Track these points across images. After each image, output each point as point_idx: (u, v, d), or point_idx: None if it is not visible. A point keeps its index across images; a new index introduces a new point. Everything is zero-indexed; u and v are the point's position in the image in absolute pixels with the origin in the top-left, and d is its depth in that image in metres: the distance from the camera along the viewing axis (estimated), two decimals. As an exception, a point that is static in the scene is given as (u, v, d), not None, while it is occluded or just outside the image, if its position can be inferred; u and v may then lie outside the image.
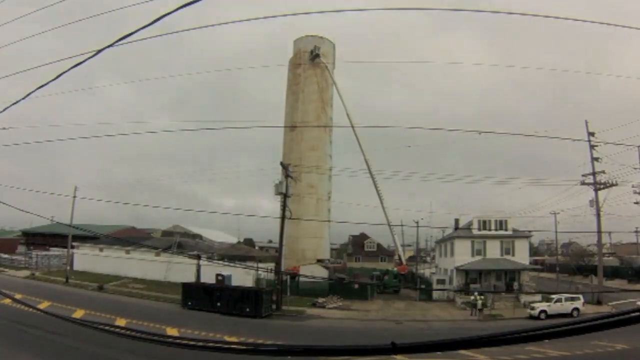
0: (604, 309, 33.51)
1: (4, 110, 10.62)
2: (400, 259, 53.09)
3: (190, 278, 37.39)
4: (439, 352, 2.45)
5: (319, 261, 50.67)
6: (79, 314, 24.63)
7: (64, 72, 8.06)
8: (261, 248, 74.44)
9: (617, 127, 71.15)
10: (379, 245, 76.12)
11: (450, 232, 47.75)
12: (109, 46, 7.06)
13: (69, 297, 30.61)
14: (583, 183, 38.35)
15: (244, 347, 3.32)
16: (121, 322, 23.05)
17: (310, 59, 57.19)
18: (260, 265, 37.35)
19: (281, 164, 36.12)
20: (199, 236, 60.73)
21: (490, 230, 41.89)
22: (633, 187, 38.37)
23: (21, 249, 62.71)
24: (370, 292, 39.85)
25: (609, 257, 59.35)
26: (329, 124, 57.05)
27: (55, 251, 54.61)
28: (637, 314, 2.10)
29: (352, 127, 51.81)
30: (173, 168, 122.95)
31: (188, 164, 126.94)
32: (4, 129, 19.71)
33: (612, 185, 37.26)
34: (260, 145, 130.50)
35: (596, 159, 37.80)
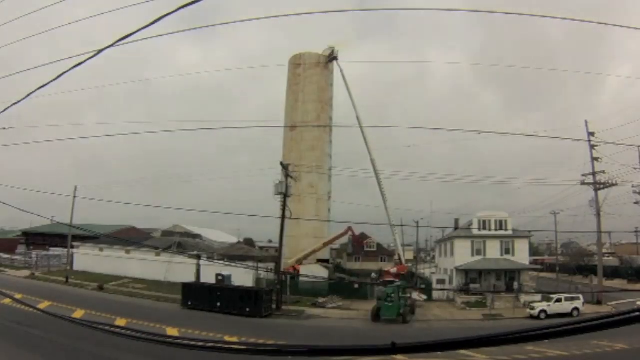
0: (604, 309, 33.51)
1: (4, 110, 10.63)
2: (400, 258, 53.13)
3: (191, 278, 37.38)
4: (439, 352, 2.45)
5: (321, 261, 50.73)
6: (78, 314, 24.63)
7: (64, 73, 8.07)
8: (261, 248, 74.34)
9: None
10: (379, 245, 76.09)
11: (450, 232, 47.77)
12: (109, 46, 7.07)
13: (69, 297, 30.61)
14: (583, 183, 38.37)
15: (244, 347, 3.32)
16: (121, 322, 23.05)
17: (328, 61, 58.39)
18: (260, 265, 37.37)
19: (281, 163, 36.10)
20: (199, 236, 60.71)
21: (490, 230, 41.89)
22: (633, 187, 38.40)
23: (21, 249, 62.67)
24: (369, 292, 39.86)
25: (609, 257, 59.33)
26: (329, 124, 57.10)
27: (55, 251, 54.60)
28: (637, 314, 2.10)
29: (361, 127, 51.90)
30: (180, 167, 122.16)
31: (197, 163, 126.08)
32: (4, 129, 19.73)
33: (612, 185, 37.28)
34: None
35: (596, 159, 37.82)
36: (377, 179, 51.11)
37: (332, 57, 58.05)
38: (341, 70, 57.00)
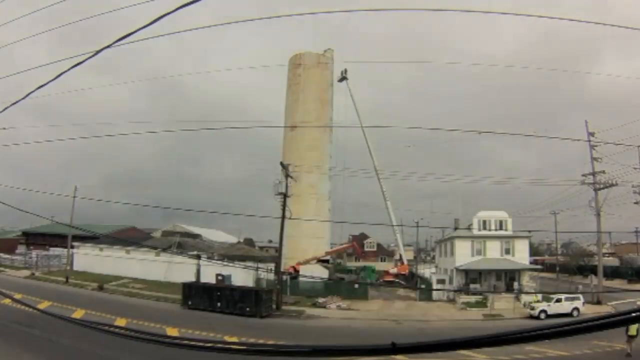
0: (604, 309, 33.51)
1: (4, 110, 10.62)
2: (401, 258, 53.29)
3: (191, 278, 37.39)
4: (439, 352, 2.45)
5: (323, 261, 50.90)
6: (79, 314, 24.64)
7: (63, 72, 8.06)
8: (261, 248, 74.38)
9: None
10: (379, 245, 76.19)
11: (450, 232, 47.76)
12: (108, 46, 7.06)
13: (69, 297, 30.62)
14: (583, 183, 38.36)
15: (244, 347, 3.32)
16: (121, 322, 23.06)
17: (339, 80, 59.39)
18: (260, 265, 37.35)
19: (281, 163, 36.06)
20: (199, 236, 60.67)
21: (490, 230, 41.84)
22: (633, 187, 38.37)
23: (21, 249, 62.65)
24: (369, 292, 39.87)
25: (609, 257, 59.33)
26: (329, 124, 57.17)
27: (55, 251, 54.58)
28: (637, 314, 2.10)
29: (364, 132, 52.45)
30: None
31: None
32: (4, 129, 19.70)
33: (612, 185, 37.26)
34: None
35: (596, 159, 37.80)
36: (379, 182, 51.65)
37: (342, 77, 58.77)
38: (349, 91, 57.42)
